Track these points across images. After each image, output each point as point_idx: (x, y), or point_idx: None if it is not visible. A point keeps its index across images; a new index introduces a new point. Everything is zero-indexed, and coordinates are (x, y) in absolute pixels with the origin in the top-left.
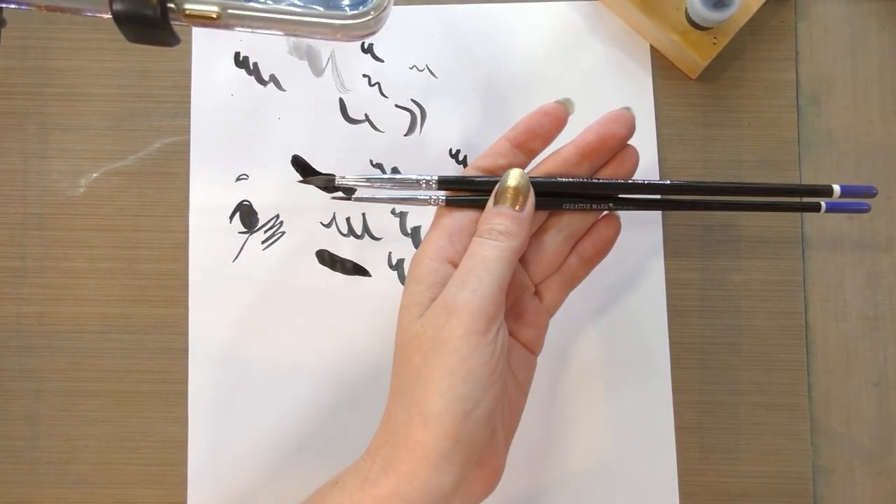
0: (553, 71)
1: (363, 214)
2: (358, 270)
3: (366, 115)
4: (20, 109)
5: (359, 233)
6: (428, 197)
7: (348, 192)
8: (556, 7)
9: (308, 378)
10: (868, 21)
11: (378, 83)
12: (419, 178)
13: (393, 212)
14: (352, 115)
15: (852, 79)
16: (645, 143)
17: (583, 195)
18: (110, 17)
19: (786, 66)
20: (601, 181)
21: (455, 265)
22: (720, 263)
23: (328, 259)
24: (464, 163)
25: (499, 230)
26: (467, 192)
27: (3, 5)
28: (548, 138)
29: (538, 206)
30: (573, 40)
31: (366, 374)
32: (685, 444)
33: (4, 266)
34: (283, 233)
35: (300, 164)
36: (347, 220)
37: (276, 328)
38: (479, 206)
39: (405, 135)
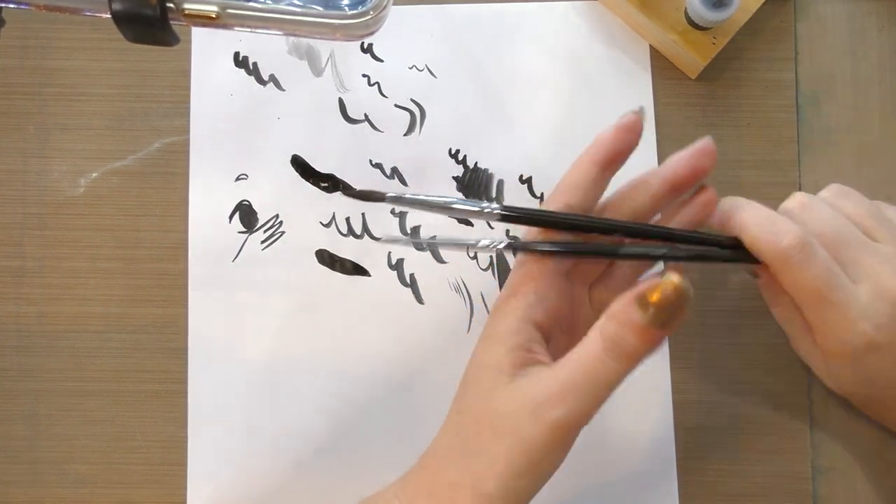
0: (553, 71)
1: (363, 214)
2: (358, 270)
3: (365, 115)
4: (20, 109)
5: (358, 233)
6: (491, 246)
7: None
8: (555, 7)
9: (307, 378)
10: (868, 21)
11: (378, 83)
12: (480, 208)
13: (392, 212)
14: (351, 114)
15: (852, 79)
16: (644, 143)
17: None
18: (109, 16)
19: (785, 65)
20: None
21: (541, 328)
22: (720, 263)
23: (328, 259)
24: (463, 163)
25: (626, 350)
26: (536, 224)
27: (3, 5)
28: (630, 153)
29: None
30: (573, 40)
31: (365, 373)
32: (685, 444)
33: (4, 266)
34: (283, 233)
35: (300, 164)
36: (347, 219)
37: (276, 328)
38: (565, 254)
39: (405, 135)
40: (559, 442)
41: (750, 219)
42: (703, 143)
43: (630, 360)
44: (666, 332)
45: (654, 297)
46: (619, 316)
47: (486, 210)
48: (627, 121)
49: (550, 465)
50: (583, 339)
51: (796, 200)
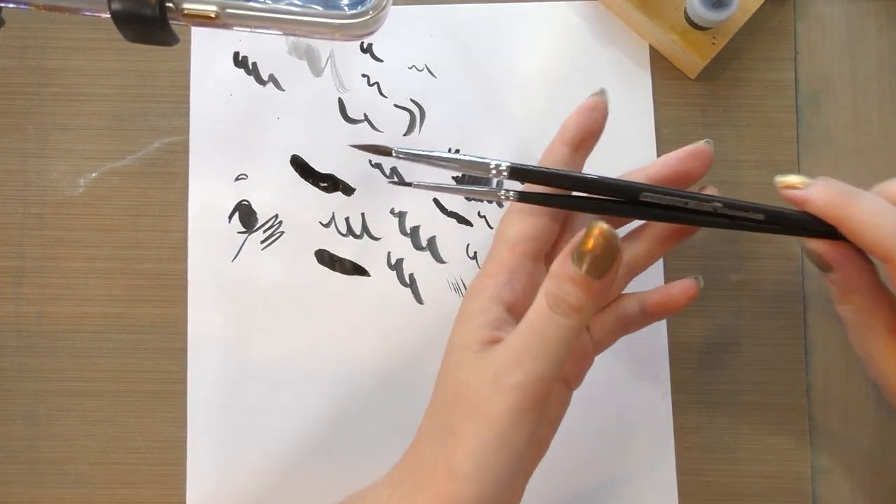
0: (552, 71)
1: (362, 214)
2: (357, 270)
3: (365, 115)
4: (19, 109)
5: (358, 233)
6: (495, 191)
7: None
8: (555, 7)
9: (307, 378)
10: (867, 21)
11: (377, 83)
12: (489, 162)
13: (392, 212)
14: (351, 114)
15: (851, 78)
16: (644, 143)
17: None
18: (109, 16)
19: (785, 65)
20: (705, 206)
21: (511, 310)
22: (720, 263)
23: (327, 259)
24: None
25: (570, 303)
26: (541, 185)
27: (2, 5)
28: (599, 132)
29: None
30: (572, 40)
31: (365, 373)
32: (684, 443)
33: (3, 266)
34: (283, 233)
35: (299, 164)
36: (346, 219)
37: (275, 328)
38: (557, 205)
39: (404, 135)
40: (522, 408)
41: (873, 209)
42: (699, 145)
43: (576, 312)
44: (605, 282)
45: (587, 247)
46: (557, 273)
47: (494, 165)
48: (590, 101)
49: (519, 436)
50: (530, 309)
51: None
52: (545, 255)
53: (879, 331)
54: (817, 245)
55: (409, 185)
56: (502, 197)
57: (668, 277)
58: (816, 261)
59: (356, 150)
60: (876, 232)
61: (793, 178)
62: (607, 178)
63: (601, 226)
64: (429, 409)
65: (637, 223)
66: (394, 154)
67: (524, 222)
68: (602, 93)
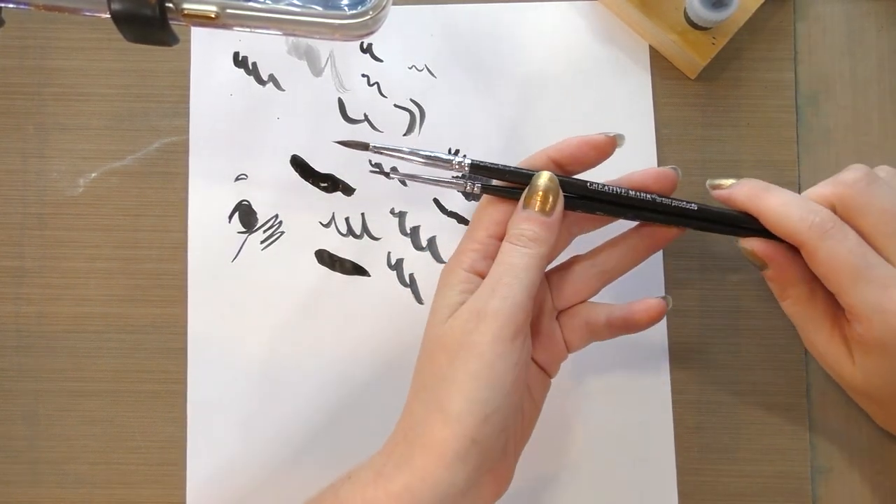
0: (552, 71)
1: (362, 214)
2: (357, 270)
3: (365, 115)
4: (19, 109)
5: (358, 233)
6: (463, 183)
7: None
8: (555, 7)
9: (307, 378)
10: (867, 21)
11: (377, 83)
12: (452, 159)
13: (392, 212)
14: (351, 114)
15: (851, 79)
16: (644, 144)
17: (615, 203)
18: (109, 16)
19: (784, 66)
20: (641, 196)
21: (483, 277)
22: (720, 263)
23: (327, 259)
24: None
25: (528, 236)
26: (501, 180)
27: (2, 5)
28: (588, 166)
29: (570, 207)
30: (572, 40)
31: (365, 373)
32: (684, 443)
33: (3, 266)
34: (283, 233)
35: (299, 164)
36: (346, 220)
37: (275, 328)
38: (515, 197)
39: (404, 135)
40: (505, 335)
41: (783, 200)
42: (666, 169)
43: (534, 242)
44: (554, 217)
45: (533, 189)
46: (514, 218)
47: (455, 161)
48: (598, 139)
49: (507, 369)
50: (498, 254)
51: (853, 170)
52: None
53: (819, 321)
54: (748, 242)
55: (388, 174)
56: (468, 189)
57: (668, 278)
58: (751, 258)
59: (356, 151)
60: (784, 219)
61: (720, 180)
62: (577, 180)
63: (543, 172)
64: (416, 373)
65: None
66: (371, 148)
67: (496, 209)
68: (617, 137)
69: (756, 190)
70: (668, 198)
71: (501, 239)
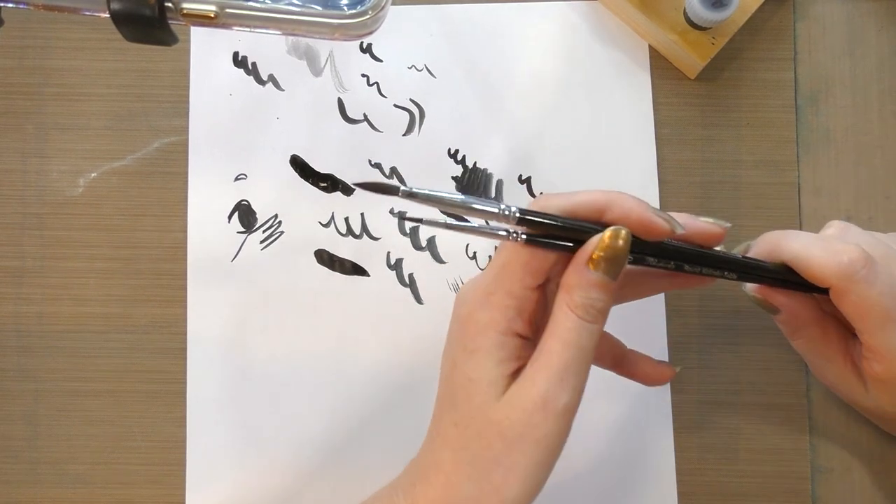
0: (552, 70)
1: (362, 214)
2: (357, 270)
3: (364, 115)
4: (19, 109)
5: (357, 233)
6: (506, 235)
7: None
8: (555, 7)
9: (306, 377)
10: (867, 21)
11: (377, 83)
12: (497, 208)
13: (391, 212)
14: (350, 114)
15: (851, 79)
16: (644, 144)
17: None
18: (108, 16)
19: (784, 66)
20: (698, 250)
21: (521, 337)
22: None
23: (327, 259)
24: (462, 163)
25: (598, 308)
26: (548, 231)
27: (2, 4)
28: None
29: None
30: (572, 40)
31: (365, 373)
32: (684, 443)
33: (3, 266)
34: (282, 232)
35: (299, 164)
36: (346, 219)
37: (275, 328)
38: (563, 251)
39: (404, 135)
40: (569, 426)
41: (803, 243)
42: (716, 228)
43: (602, 315)
44: (618, 281)
45: (604, 249)
46: (579, 282)
47: (502, 212)
48: (716, 232)
49: (560, 451)
50: (550, 324)
51: (835, 227)
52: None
53: (831, 356)
54: (757, 291)
55: (420, 221)
56: (512, 239)
57: None
58: (762, 305)
59: (354, 157)
60: (811, 261)
61: (737, 249)
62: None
63: (620, 230)
64: (449, 441)
65: None
66: (400, 195)
67: (535, 256)
68: (672, 224)
69: (772, 241)
70: (713, 249)
71: (539, 290)
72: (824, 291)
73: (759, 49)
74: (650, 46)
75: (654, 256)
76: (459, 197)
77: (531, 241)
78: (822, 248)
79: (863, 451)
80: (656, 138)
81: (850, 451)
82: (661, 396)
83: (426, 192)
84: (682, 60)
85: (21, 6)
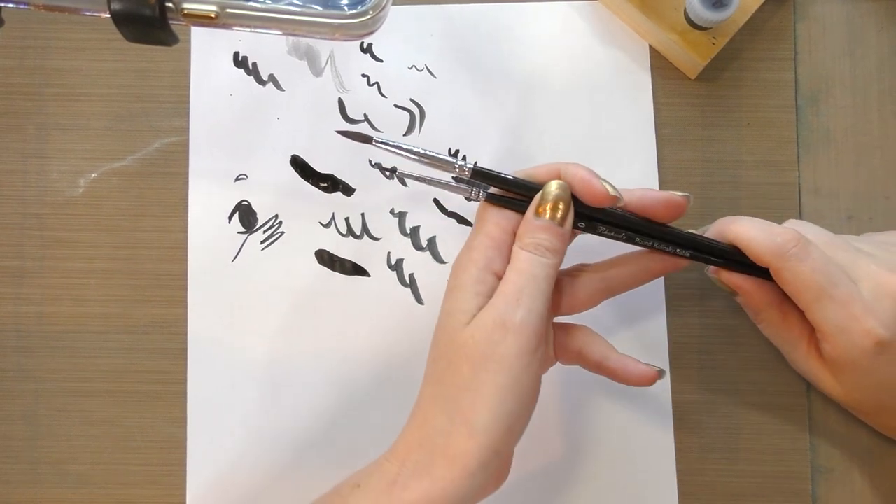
0: (552, 70)
1: (362, 214)
2: (357, 270)
3: (365, 115)
4: (19, 109)
5: (358, 233)
6: (467, 189)
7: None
8: (555, 7)
9: (307, 378)
10: (867, 21)
11: (377, 83)
12: (454, 161)
13: (392, 212)
14: (351, 115)
15: (851, 79)
16: (644, 144)
17: (618, 226)
18: (109, 16)
19: (784, 66)
20: (646, 223)
21: (498, 276)
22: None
23: (327, 259)
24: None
25: (545, 246)
26: (502, 189)
27: (2, 4)
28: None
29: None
30: (572, 40)
31: (365, 374)
32: (684, 443)
33: (3, 266)
34: (282, 233)
35: (299, 165)
36: (346, 220)
37: (275, 328)
38: (520, 209)
39: (404, 135)
40: (529, 347)
41: (745, 224)
42: (677, 197)
43: (551, 253)
44: (566, 227)
45: (547, 201)
46: (528, 229)
47: (458, 164)
48: (679, 201)
49: (528, 379)
50: (510, 263)
51: (790, 222)
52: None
53: (794, 342)
54: (716, 273)
55: (389, 172)
56: (472, 196)
57: (669, 277)
58: (721, 287)
59: (356, 151)
60: (751, 243)
61: (699, 230)
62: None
63: (554, 181)
64: (427, 377)
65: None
66: (374, 143)
67: (501, 214)
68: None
69: (723, 224)
70: (668, 226)
71: (512, 238)
72: (767, 273)
73: (760, 49)
74: (650, 46)
75: (606, 225)
76: (422, 149)
77: (490, 199)
78: (760, 229)
79: (863, 451)
80: (656, 138)
81: (850, 451)
82: (662, 396)
83: (394, 142)
84: (683, 60)
85: (21, 6)
